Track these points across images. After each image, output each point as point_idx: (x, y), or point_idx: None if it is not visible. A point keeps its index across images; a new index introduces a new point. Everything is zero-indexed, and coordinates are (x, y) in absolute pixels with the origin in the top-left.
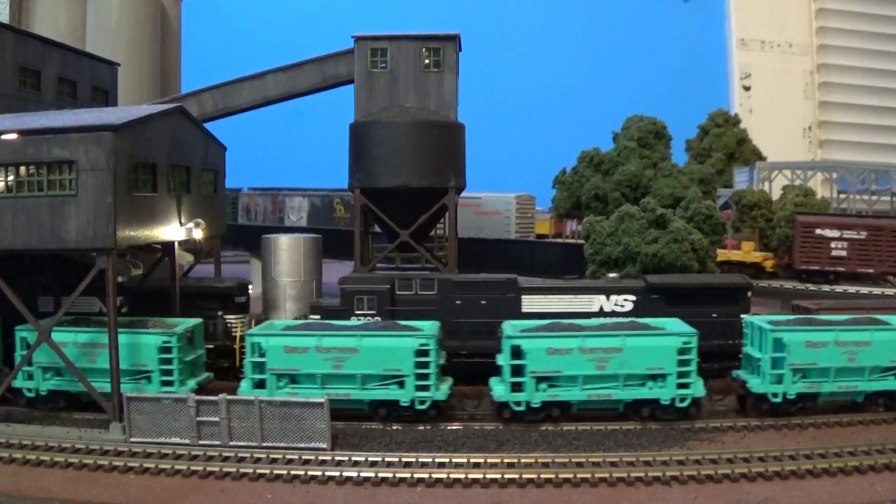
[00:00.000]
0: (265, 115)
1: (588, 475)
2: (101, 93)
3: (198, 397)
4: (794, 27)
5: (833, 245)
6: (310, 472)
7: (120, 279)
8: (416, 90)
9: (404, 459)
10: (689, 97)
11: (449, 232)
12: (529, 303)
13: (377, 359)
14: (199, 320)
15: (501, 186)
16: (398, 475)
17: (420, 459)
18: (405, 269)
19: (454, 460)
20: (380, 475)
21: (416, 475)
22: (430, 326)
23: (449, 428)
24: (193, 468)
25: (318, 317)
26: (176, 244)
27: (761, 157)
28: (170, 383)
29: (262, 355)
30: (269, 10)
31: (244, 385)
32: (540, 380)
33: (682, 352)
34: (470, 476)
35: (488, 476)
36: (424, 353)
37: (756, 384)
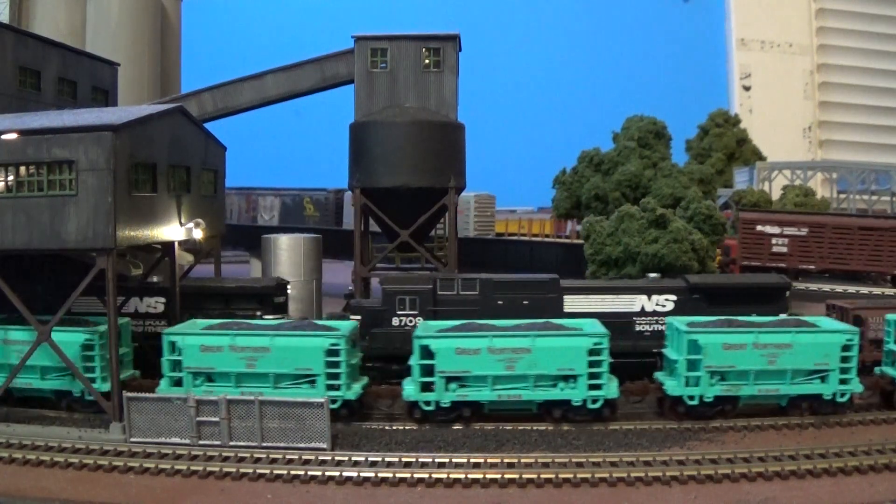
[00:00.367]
0: (265, 116)
1: (588, 475)
2: (101, 93)
3: (198, 397)
4: (794, 27)
5: (774, 241)
6: (310, 472)
7: (156, 279)
8: (416, 90)
9: (404, 459)
10: (689, 97)
11: (449, 232)
12: (571, 303)
13: (289, 358)
14: (126, 319)
15: (502, 186)
16: (398, 475)
17: (420, 459)
18: (405, 269)
19: (454, 460)
20: (380, 475)
21: (416, 475)
22: (346, 326)
23: (449, 428)
24: (193, 468)
25: (358, 317)
26: (176, 244)
27: (761, 157)
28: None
29: (179, 354)
30: (269, 10)
31: (163, 383)
32: (450, 380)
33: (592, 353)
34: (470, 476)
35: (488, 476)
36: (335, 352)
37: (672, 386)
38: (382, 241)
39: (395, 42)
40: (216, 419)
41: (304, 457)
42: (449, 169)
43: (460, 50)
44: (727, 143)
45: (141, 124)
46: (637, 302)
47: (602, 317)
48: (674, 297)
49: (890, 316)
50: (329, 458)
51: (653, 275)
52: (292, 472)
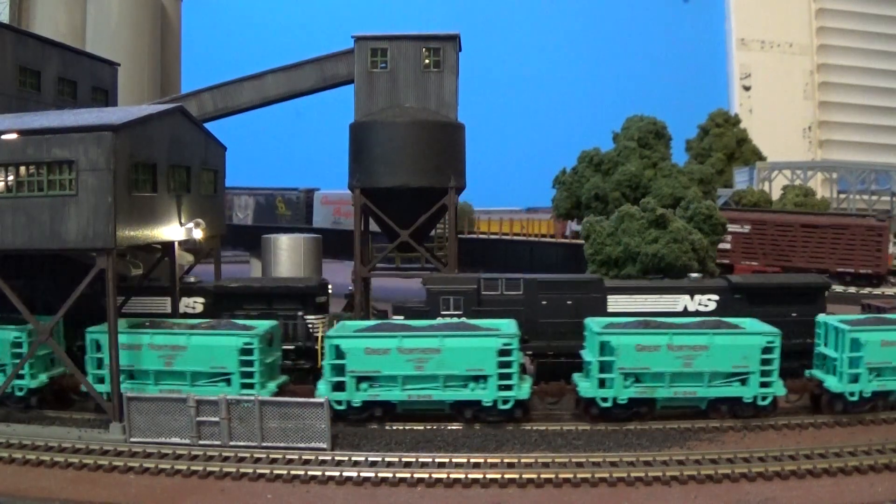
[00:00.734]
0: (265, 116)
1: (588, 475)
2: (101, 93)
3: (198, 397)
4: (794, 27)
5: None
6: (310, 472)
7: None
8: (416, 90)
9: (404, 459)
10: (689, 97)
11: (449, 232)
12: (615, 302)
13: (205, 357)
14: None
15: (501, 186)
16: (398, 475)
17: (420, 459)
18: (405, 269)
19: (454, 460)
20: (380, 475)
21: (416, 475)
22: (263, 326)
23: (449, 428)
24: (193, 468)
25: (401, 317)
26: (176, 244)
27: (761, 157)
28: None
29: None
30: (269, 10)
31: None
32: (361, 379)
33: (502, 353)
34: (470, 476)
35: (488, 476)
36: (249, 351)
37: (585, 388)
38: (382, 240)
39: (395, 42)
40: (216, 419)
41: (304, 457)
42: (449, 169)
43: (460, 50)
44: (727, 143)
45: (141, 124)
46: (680, 302)
47: (645, 316)
48: (716, 297)
49: (820, 318)
50: (329, 458)
51: (694, 275)
52: (292, 472)
